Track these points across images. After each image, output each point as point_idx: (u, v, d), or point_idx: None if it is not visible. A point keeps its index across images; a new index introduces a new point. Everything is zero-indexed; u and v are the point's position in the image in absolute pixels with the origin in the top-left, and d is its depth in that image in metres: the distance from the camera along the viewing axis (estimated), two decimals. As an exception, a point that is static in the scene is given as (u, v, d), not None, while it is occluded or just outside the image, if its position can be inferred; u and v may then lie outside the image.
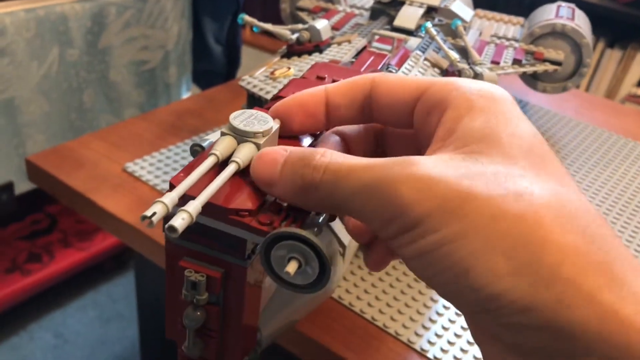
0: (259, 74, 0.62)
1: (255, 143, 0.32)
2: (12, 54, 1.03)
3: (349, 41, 0.68)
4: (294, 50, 0.68)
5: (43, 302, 1.42)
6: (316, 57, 0.65)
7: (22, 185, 1.17)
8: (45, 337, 1.36)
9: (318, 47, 0.67)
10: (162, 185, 0.69)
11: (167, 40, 1.32)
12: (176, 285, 0.32)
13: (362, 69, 0.54)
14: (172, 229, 0.25)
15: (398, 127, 0.30)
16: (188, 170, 0.30)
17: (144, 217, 0.25)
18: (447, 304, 0.56)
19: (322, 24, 0.68)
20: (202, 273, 0.31)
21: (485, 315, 0.22)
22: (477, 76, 0.60)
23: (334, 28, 0.80)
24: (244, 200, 0.30)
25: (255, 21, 0.70)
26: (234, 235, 0.30)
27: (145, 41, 1.27)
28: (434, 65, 0.64)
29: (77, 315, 1.43)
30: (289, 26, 0.72)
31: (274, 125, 0.33)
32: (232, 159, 0.30)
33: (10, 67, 1.04)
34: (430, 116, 0.27)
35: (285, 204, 0.30)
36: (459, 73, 0.61)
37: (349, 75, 0.47)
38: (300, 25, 0.71)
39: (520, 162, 0.23)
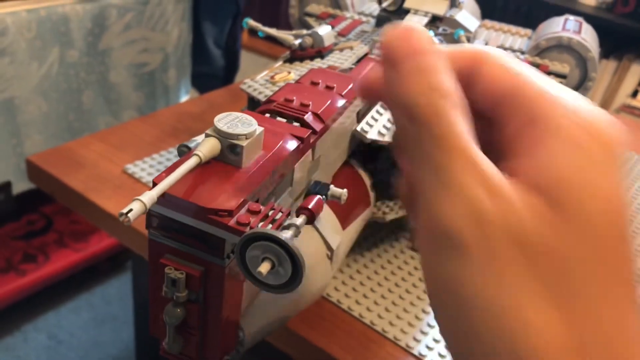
0: (260, 77, 0.62)
1: (237, 144, 0.32)
2: (12, 54, 1.03)
3: (351, 48, 0.69)
4: (297, 55, 0.69)
5: (38, 303, 1.42)
6: (317, 63, 0.65)
7: (20, 185, 1.17)
8: (40, 338, 1.36)
9: (320, 53, 0.68)
10: (162, 187, 0.69)
11: (167, 43, 1.32)
12: (158, 283, 0.32)
13: (360, 76, 0.55)
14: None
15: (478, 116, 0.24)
16: (171, 170, 0.31)
17: (121, 214, 0.26)
18: (445, 309, 0.57)
19: (325, 30, 0.68)
20: (182, 271, 0.31)
21: None
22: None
23: (340, 34, 0.81)
24: (223, 200, 0.30)
25: (259, 26, 0.71)
26: (213, 234, 0.30)
27: (145, 43, 1.27)
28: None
29: (71, 316, 1.42)
30: (293, 32, 0.73)
31: (258, 128, 0.34)
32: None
33: (10, 67, 1.04)
34: (512, 121, 0.22)
35: (262, 207, 0.31)
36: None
37: (343, 82, 0.48)
38: (304, 31, 0.71)
39: (589, 244, 0.20)
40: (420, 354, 0.52)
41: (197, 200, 0.30)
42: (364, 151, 0.56)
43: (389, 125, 0.51)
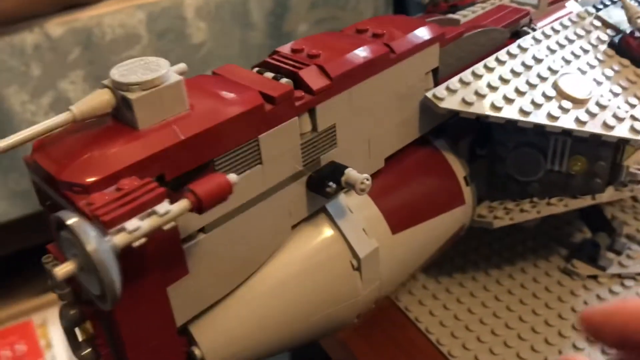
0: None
1: (127, 97, 0.22)
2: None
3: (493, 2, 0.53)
4: (429, 11, 0.57)
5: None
6: (443, 19, 0.52)
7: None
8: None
9: (455, 7, 0.54)
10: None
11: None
12: None
13: (486, 22, 0.41)
14: None
15: None
16: None
17: None
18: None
19: (462, -20, 0.54)
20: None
21: None
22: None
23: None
24: (85, 171, 0.23)
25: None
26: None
27: (335, 23, 1.20)
28: (608, 25, 0.46)
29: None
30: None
31: (172, 76, 0.23)
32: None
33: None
34: None
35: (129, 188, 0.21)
36: None
37: (410, 28, 0.35)
38: (442, -13, 0.58)
39: None
40: None
41: (51, 168, 0.22)
42: (473, 130, 0.41)
43: (486, 91, 0.36)
